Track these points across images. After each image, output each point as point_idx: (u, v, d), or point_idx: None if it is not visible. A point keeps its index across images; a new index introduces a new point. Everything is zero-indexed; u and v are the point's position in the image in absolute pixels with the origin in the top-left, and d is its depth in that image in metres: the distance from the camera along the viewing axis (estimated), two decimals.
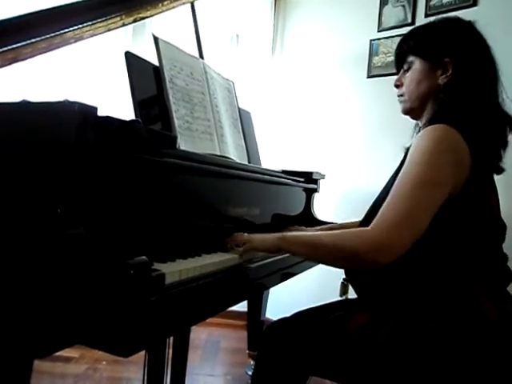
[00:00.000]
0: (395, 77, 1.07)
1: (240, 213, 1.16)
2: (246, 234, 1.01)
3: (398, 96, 1.06)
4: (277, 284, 1.10)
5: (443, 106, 0.95)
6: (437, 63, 0.96)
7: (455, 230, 0.88)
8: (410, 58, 1.01)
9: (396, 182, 0.86)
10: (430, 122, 0.93)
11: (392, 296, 0.93)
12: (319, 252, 0.89)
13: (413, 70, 1.00)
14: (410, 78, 1.01)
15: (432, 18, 1.05)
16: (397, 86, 1.06)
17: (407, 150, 0.94)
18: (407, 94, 1.02)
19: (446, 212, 0.86)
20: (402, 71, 1.05)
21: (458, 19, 0.99)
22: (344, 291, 2.28)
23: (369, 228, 0.82)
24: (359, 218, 1.06)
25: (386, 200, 0.84)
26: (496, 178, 0.98)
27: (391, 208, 0.82)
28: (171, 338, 1.35)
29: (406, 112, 1.05)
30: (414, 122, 1.11)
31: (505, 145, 0.95)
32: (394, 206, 0.82)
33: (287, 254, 1.10)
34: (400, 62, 1.05)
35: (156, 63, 1.10)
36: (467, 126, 0.88)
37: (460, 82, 0.94)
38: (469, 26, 0.98)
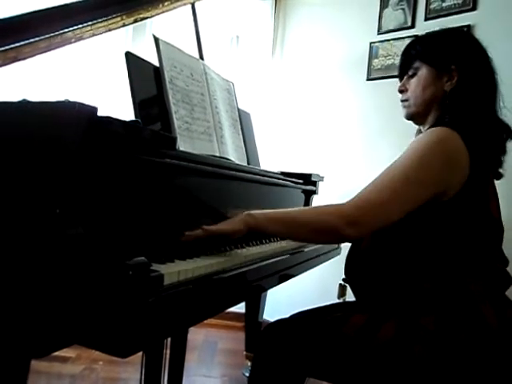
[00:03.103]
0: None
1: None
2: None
3: (402, 101, 1.06)
4: (275, 286, 1.09)
5: (446, 112, 0.96)
6: (443, 70, 0.98)
7: (452, 230, 0.89)
8: (416, 64, 1.02)
9: (385, 169, 0.89)
10: (432, 126, 0.95)
11: (390, 296, 0.94)
12: (294, 227, 0.90)
13: (419, 75, 1.01)
14: (415, 83, 1.02)
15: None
16: (401, 92, 1.06)
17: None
18: (413, 99, 1.03)
19: (444, 213, 0.88)
20: (406, 77, 1.05)
21: (460, 30, 1.03)
22: (342, 293, 2.28)
23: (344, 203, 0.87)
24: None
25: (370, 182, 0.88)
26: (497, 182, 0.99)
27: (371, 191, 0.87)
28: (169, 339, 1.35)
29: (410, 117, 1.06)
30: (415, 126, 1.11)
31: (504, 151, 0.97)
32: (374, 190, 0.87)
33: (286, 256, 1.11)
34: (405, 68, 1.05)
35: (156, 64, 1.10)
36: (468, 130, 0.90)
37: (464, 88, 0.95)
38: (470, 36, 1.01)
